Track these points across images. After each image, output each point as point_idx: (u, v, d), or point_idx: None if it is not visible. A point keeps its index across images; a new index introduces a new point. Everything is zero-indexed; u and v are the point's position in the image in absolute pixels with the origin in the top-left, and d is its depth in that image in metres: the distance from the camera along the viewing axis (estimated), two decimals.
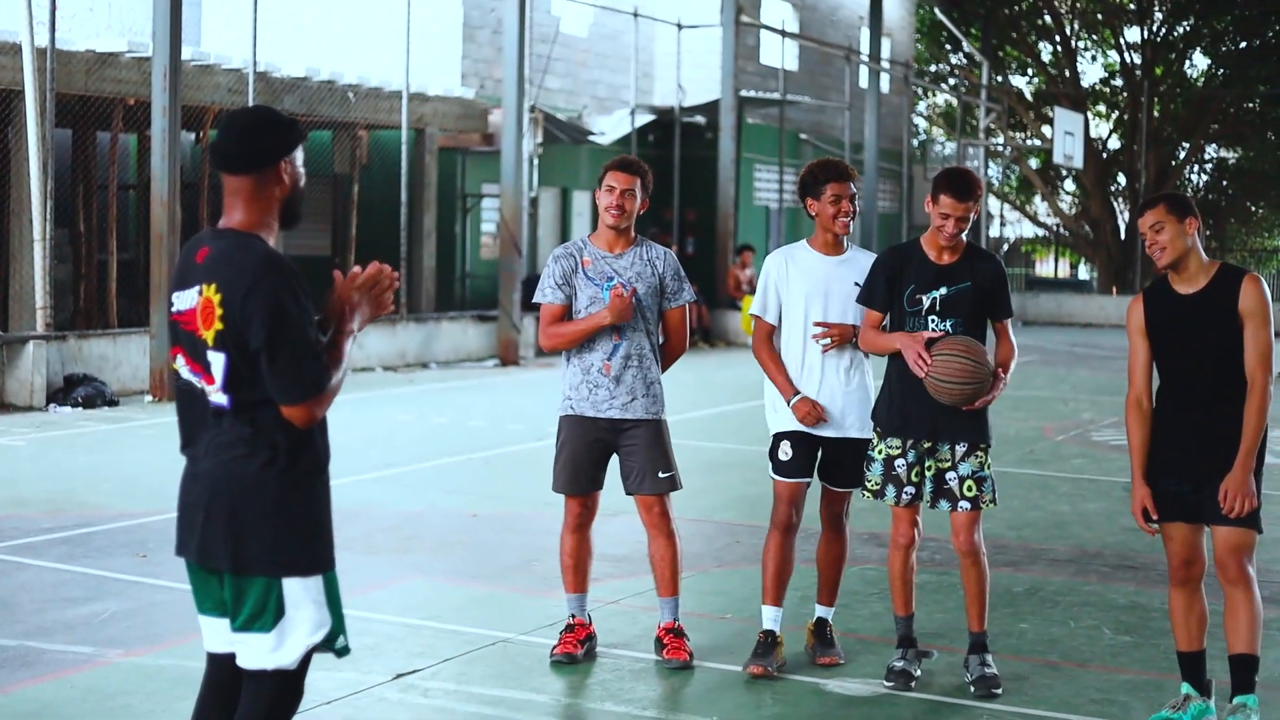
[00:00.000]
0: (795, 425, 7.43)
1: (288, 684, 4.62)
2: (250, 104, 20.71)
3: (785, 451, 7.46)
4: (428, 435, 15.83)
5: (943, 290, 7.16)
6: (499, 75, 26.98)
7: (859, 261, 7.48)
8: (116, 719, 6.59)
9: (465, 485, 12.80)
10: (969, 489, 7.16)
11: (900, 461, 7.21)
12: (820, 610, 7.60)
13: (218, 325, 4.45)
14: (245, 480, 4.49)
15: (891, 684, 7.19)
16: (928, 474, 7.20)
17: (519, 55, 24.46)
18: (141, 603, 8.56)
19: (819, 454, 7.51)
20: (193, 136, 23.38)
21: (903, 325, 7.21)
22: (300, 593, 4.54)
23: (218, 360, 4.48)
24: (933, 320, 7.15)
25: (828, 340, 7.36)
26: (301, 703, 4.73)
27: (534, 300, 7.80)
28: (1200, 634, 6.72)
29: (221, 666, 4.71)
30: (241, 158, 4.54)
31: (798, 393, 7.42)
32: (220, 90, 21.59)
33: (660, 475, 7.48)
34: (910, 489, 7.21)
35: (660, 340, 7.67)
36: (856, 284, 7.37)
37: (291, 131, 4.63)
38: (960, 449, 7.16)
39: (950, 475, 7.18)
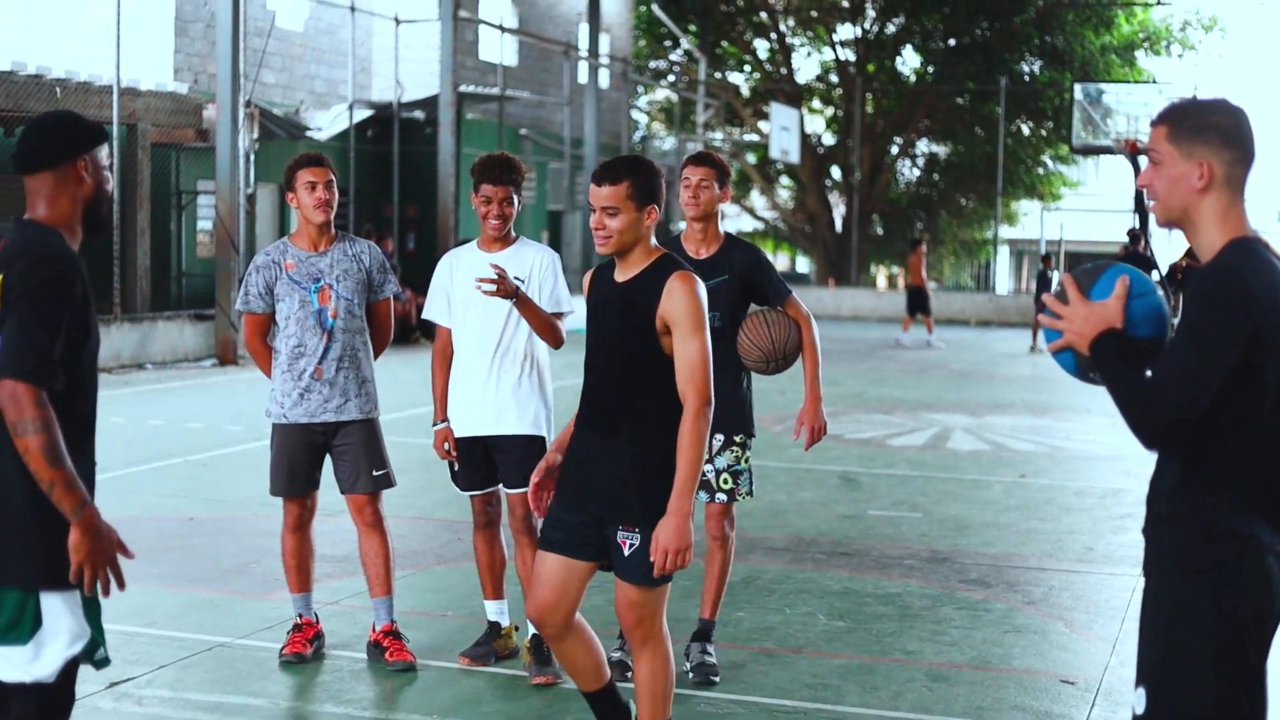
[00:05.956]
0: (460, 433, 7.41)
1: (53, 697, 4.48)
2: None
3: (452, 466, 7.50)
4: (143, 438, 15.50)
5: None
6: (213, 70, 26.52)
7: (523, 254, 7.35)
8: None
9: (182, 488, 12.57)
10: (725, 482, 7.26)
11: None
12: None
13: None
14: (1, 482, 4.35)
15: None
16: None
17: (233, 50, 24.07)
18: None
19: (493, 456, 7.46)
20: None
21: None
22: (58, 604, 4.39)
23: None
24: None
25: (491, 287, 7.02)
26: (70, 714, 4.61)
27: (237, 308, 7.71)
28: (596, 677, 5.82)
29: None
30: (36, 154, 4.50)
31: (442, 421, 7.43)
32: None
33: (375, 474, 7.46)
34: None
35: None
36: (518, 278, 7.22)
37: (88, 131, 4.57)
38: (717, 442, 7.24)
39: (708, 468, 7.24)
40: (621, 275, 5.49)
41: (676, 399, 5.33)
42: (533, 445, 7.34)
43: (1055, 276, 31.50)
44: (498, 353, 7.30)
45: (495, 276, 7.03)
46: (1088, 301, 3.97)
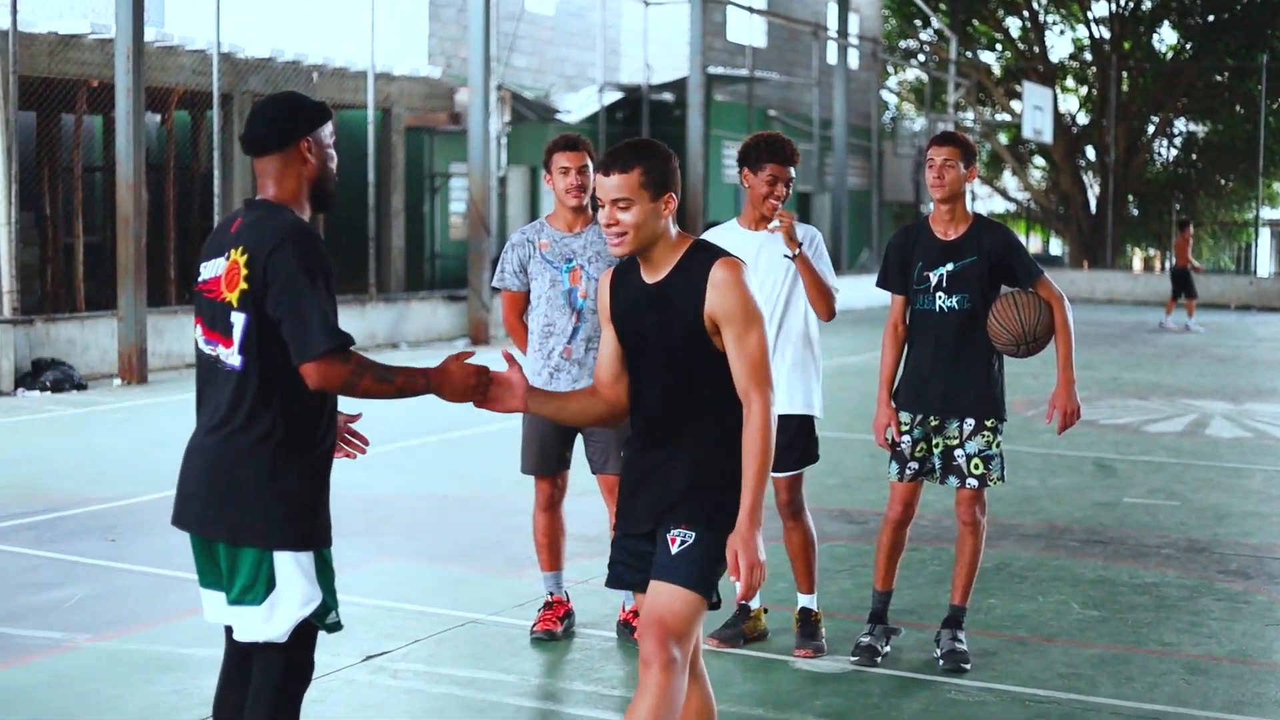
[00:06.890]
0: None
1: (292, 658, 4.66)
2: (215, 85, 20.63)
3: None
4: (398, 416, 15.74)
5: (949, 266, 7.13)
6: (465, 54, 26.91)
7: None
8: (84, 704, 6.57)
9: (436, 466, 12.78)
10: (975, 467, 7.16)
11: (906, 438, 7.22)
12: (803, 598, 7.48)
13: (242, 285, 4.52)
14: (244, 450, 4.53)
15: (857, 659, 7.20)
16: (935, 450, 7.21)
17: (485, 34, 24.39)
18: (110, 587, 8.54)
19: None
20: (158, 118, 23.27)
21: (913, 303, 7.23)
22: (291, 566, 4.56)
23: (239, 321, 4.53)
24: (940, 296, 7.14)
25: (776, 224, 7.09)
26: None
27: (493, 285, 7.81)
28: None
29: (236, 640, 4.75)
30: (261, 139, 4.66)
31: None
32: (184, 72, 21.50)
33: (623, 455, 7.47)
34: (914, 465, 7.21)
35: None
36: (785, 255, 7.19)
37: (310, 112, 4.71)
38: (968, 426, 7.15)
39: (958, 452, 7.18)
40: (650, 276, 4.87)
41: (733, 395, 4.78)
42: (804, 426, 7.35)
43: None
44: (777, 333, 7.27)
45: (786, 223, 7.09)
46: None
